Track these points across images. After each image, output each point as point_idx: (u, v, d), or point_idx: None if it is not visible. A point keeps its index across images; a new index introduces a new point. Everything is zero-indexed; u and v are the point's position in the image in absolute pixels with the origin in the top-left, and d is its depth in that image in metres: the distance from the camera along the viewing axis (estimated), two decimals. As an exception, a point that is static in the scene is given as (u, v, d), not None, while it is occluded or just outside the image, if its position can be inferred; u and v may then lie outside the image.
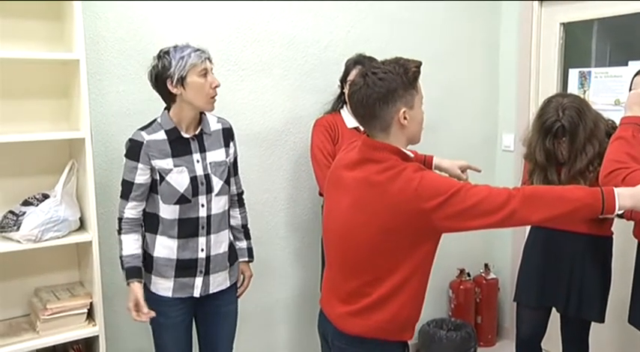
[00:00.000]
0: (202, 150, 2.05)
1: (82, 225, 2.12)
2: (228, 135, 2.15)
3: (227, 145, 2.13)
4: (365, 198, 1.54)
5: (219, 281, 2.11)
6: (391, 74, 1.53)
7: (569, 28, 3.17)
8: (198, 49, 1.96)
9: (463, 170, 2.21)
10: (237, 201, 2.26)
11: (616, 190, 1.46)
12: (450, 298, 3.34)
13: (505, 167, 3.36)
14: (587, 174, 2.22)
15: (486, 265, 3.39)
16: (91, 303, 2.10)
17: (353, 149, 1.66)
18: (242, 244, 2.26)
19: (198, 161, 2.03)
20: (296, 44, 2.70)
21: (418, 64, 1.59)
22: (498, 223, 1.47)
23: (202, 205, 2.03)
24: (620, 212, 1.48)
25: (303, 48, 2.72)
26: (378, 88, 1.52)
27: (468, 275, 3.34)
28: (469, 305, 3.30)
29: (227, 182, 2.11)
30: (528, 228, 2.53)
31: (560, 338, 2.49)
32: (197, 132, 2.04)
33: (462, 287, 3.29)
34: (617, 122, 2.24)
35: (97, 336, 2.06)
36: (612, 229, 2.35)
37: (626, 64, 2.85)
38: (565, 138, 2.25)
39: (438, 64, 3.14)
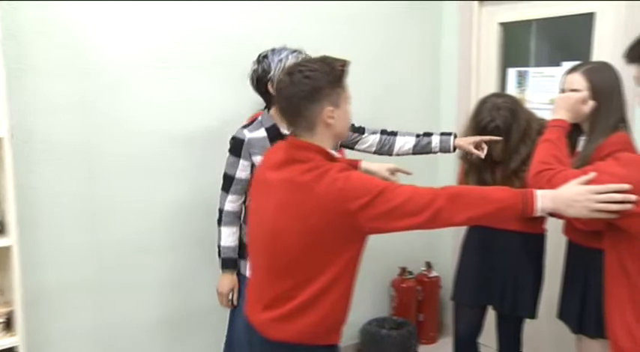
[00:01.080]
0: None
1: (1, 229, 2.01)
2: None
3: None
4: (291, 199, 1.51)
5: None
6: (317, 72, 1.51)
7: (508, 27, 3.21)
8: (295, 51, 2.13)
9: (392, 172, 2.21)
10: None
11: (538, 193, 1.47)
12: (391, 297, 3.34)
13: (447, 166, 3.35)
14: (520, 173, 2.24)
15: (428, 263, 3.41)
16: (11, 312, 1.99)
17: (279, 149, 1.62)
18: None
19: None
20: (232, 41, 2.64)
21: (344, 63, 1.56)
22: (424, 224, 1.46)
23: None
24: (541, 214, 1.48)
25: (240, 45, 2.66)
26: (304, 87, 1.49)
27: (410, 273, 3.35)
28: (411, 304, 3.31)
29: None
30: (467, 226, 2.54)
31: (496, 334, 2.52)
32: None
33: (403, 285, 3.29)
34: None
35: (16, 347, 1.96)
36: (545, 227, 2.38)
37: (560, 64, 2.90)
38: (500, 138, 2.27)
39: (378, 62, 3.13)
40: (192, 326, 2.70)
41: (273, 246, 1.56)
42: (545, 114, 2.44)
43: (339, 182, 1.45)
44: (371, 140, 2.48)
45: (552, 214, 2.17)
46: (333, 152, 1.59)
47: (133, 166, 2.45)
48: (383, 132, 2.49)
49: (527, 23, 3.17)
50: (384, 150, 2.49)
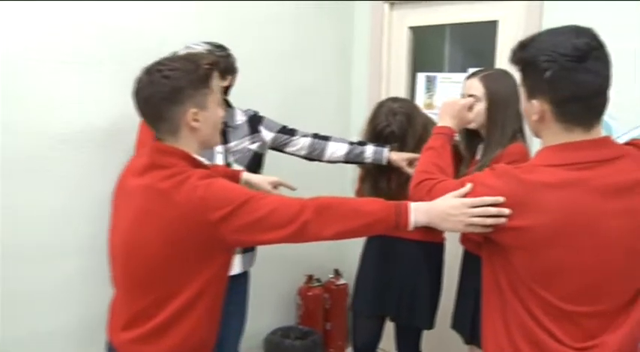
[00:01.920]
0: (225, 141, 2.16)
1: None
2: (254, 122, 2.30)
3: (254, 132, 2.27)
4: (149, 208, 1.38)
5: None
6: (178, 71, 1.38)
7: (419, 32, 3.18)
8: (214, 45, 2.16)
9: (275, 186, 2.11)
10: None
11: (412, 205, 1.40)
12: (298, 305, 3.24)
13: (357, 172, 3.31)
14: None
15: (336, 270, 3.33)
16: None
17: (144, 154, 1.49)
18: None
19: (220, 152, 2.15)
20: (129, 36, 2.46)
21: (212, 61, 1.45)
22: (291, 237, 1.37)
23: None
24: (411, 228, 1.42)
25: (138, 40, 2.49)
26: (162, 87, 1.37)
27: (318, 280, 3.26)
28: (318, 312, 3.22)
29: (254, 169, 2.24)
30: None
31: (395, 344, 2.46)
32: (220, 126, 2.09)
33: (310, 293, 3.20)
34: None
35: None
36: (445, 235, 2.34)
37: (466, 70, 2.88)
38: (395, 143, 2.22)
39: (288, 63, 3.03)
40: (87, 336, 2.49)
41: (130, 259, 1.42)
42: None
43: (199, 190, 1.34)
44: (301, 143, 2.37)
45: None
46: (202, 159, 1.47)
47: (17, 170, 2.22)
48: (315, 135, 2.39)
49: (441, 28, 3.15)
50: (314, 154, 2.38)
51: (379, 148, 2.25)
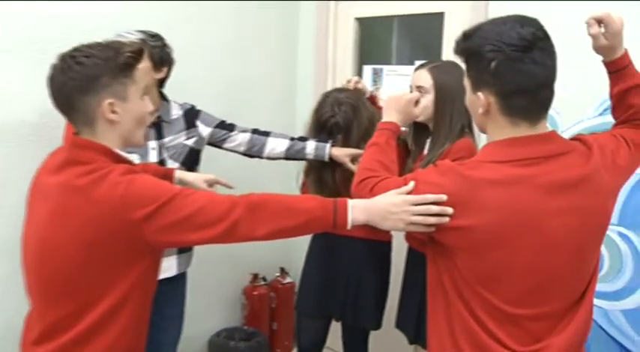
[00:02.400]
0: (160, 137, 2.04)
1: None
2: (190, 116, 2.17)
3: (190, 127, 2.15)
4: (65, 207, 1.26)
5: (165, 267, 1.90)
6: (94, 58, 1.26)
7: (366, 23, 3.11)
8: (148, 34, 2.02)
9: (210, 184, 1.99)
10: None
11: (350, 203, 1.32)
12: (243, 305, 3.13)
13: (301, 166, 3.22)
14: None
15: (282, 269, 3.24)
16: None
17: (62, 150, 1.36)
18: None
19: (153, 148, 2.03)
20: (54, 24, 2.29)
21: (137, 49, 1.33)
22: (221, 237, 1.26)
23: None
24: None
25: (64, 29, 2.32)
26: (75, 74, 1.24)
27: (264, 279, 3.16)
28: (264, 312, 3.12)
29: (190, 166, 2.13)
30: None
31: (342, 344, 2.40)
32: (154, 120, 1.99)
33: (255, 293, 3.10)
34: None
35: None
36: (392, 233, 2.28)
37: (413, 63, 2.83)
38: (340, 135, 2.14)
39: (230, 55, 2.90)
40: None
41: (44, 264, 1.29)
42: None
43: (120, 186, 1.22)
44: (240, 139, 2.25)
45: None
46: (126, 154, 1.35)
47: None
48: (254, 131, 2.28)
49: (389, 20, 3.09)
50: (253, 150, 2.27)
51: (321, 144, 2.17)
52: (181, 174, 1.96)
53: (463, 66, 1.29)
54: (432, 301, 1.34)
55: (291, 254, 3.32)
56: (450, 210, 1.19)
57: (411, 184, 1.27)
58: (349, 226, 1.31)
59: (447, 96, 1.91)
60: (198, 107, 2.25)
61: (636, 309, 2.17)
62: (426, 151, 2.02)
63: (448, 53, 2.63)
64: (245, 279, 3.13)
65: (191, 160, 2.14)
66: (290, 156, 2.26)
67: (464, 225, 1.18)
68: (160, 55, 2.03)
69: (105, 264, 1.26)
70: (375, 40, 3.24)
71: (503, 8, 2.36)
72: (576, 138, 1.29)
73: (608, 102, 2.13)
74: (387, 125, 1.67)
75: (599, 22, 1.28)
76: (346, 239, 2.16)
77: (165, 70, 2.08)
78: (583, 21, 1.31)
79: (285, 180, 3.14)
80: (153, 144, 2.04)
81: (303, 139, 2.22)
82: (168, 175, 1.92)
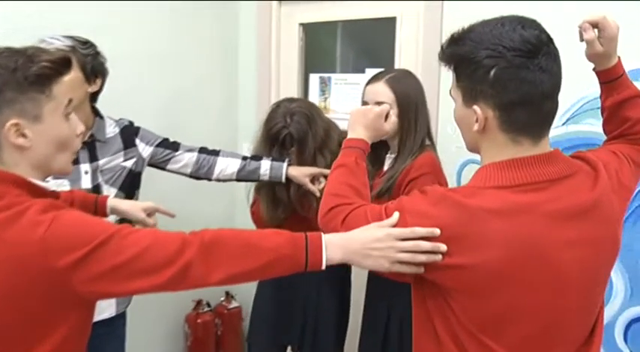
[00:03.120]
0: (94, 158, 1.79)
1: None
2: (128, 134, 1.92)
3: (129, 146, 1.90)
4: None
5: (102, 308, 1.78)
6: None
7: (310, 29, 2.93)
8: (78, 40, 1.75)
9: (150, 214, 1.74)
10: None
11: (324, 238, 1.12)
12: (186, 334, 2.88)
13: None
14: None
15: (227, 293, 3.01)
16: None
17: None
18: None
19: (86, 172, 1.77)
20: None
21: (58, 58, 1.09)
22: (169, 284, 1.05)
23: None
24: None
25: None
26: None
27: (208, 305, 2.93)
28: (209, 340, 2.88)
29: (129, 190, 1.89)
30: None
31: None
32: (87, 139, 1.78)
33: (199, 320, 2.85)
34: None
35: None
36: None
37: (364, 71, 2.69)
38: (294, 148, 1.96)
39: (166, 64, 2.66)
40: None
41: None
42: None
43: (40, 227, 0.98)
44: (186, 159, 2.01)
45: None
46: (43, 184, 1.11)
47: None
48: (202, 150, 2.05)
49: (333, 25, 2.92)
50: (201, 172, 2.03)
51: (277, 163, 1.98)
52: (115, 202, 1.71)
53: (450, 74, 1.13)
54: (418, 344, 1.18)
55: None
56: (443, 246, 1.03)
57: (396, 215, 1.10)
58: (323, 266, 1.12)
59: (409, 109, 1.77)
60: (137, 123, 2.01)
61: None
62: (385, 167, 1.87)
63: (402, 60, 2.50)
64: (187, 306, 2.88)
65: (130, 184, 1.89)
66: (242, 177, 2.05)
67: (461, 264, 1.02)
68: (93, 65, 1.77)
69: (26, 319, 1.02)
70: (320, 47, 3.08)
71: (458, 14, 2.29)
72: (578, 156, 1.15)
73: (572, 111, 2.10)
74: (355, 142, 1.46)
75: (594, 26, 1.15)
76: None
77: (98, 82, 1.81)
78: (576, 25, 1.18)
79: (234, 199, 2.93)
80: (86, 167, 1.79)
81: (256, 158, 2.02)
82: (99, 204, 1.67)
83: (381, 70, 1.90)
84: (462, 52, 1.04)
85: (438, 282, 1.07)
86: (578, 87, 2.01)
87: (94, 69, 1.77)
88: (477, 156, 1.14)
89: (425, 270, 1.07)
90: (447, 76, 1.14)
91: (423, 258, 1.05)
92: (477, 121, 1.06)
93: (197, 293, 2.88)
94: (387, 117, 1.58)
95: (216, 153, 2.06)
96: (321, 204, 1.30)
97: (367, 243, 1.10)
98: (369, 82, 1.85)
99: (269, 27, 2.91)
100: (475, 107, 1.05)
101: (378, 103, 1.76)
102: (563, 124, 2.11)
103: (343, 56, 3.09)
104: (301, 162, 1.98)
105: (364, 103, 1.83)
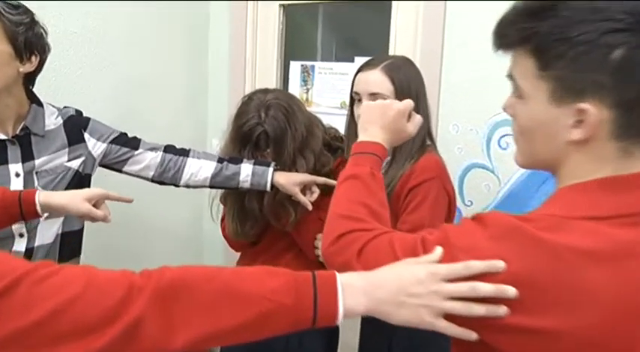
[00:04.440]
0: (28, 157, 1.43)
1: None
2: (75, 127, 1.54)
3: (75, 143, 1.52)
4: None
5: None
6: None
7: (292, 11, 2.60)
8: None
9: (96, 203, 1.37)
10: None
11: (340, 280, 0.79)
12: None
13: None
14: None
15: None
16: None
17: None
18: None
19: (18, 175, 1.41)
20: None
21: None
22: (108, 349, 0.70)
23: (21, 235, 1.43)
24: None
25: None
26: None
27: None
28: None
29: None
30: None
31: None
32: (19, 133, 1.43)
33: None
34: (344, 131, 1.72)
35: None
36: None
37: (353, 60, 2.37)
38: (269, 148, 1.62)
39: (122, 47, 2.28)
40: None
41: None
42: (336, 121, 1.87)
43: None
44: (148, 159, 1.62)
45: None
46: None
47: None
48: (168, 149, 1.67)
49: (316, 7, 2.59)
50: (167, 176, 1.64)
51: (260, 168, 1.62)
52: (47, 196, 1.33)
53: (517, 60, 0.80)
54: None
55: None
56: (512, 290, 0.72)
57: (438, 251, 0.79)
58: (339, 320, 0.79)
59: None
60: (86, 113, 1.64)
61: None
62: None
63: (397, 46, 2.19)
64: None
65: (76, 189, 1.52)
66: (217, 183, 1.68)
67: (539, 328, 0.70)
68: (27, 37, 1.37)
69: None
70: (298, 31, 2.75)
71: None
72: None
73: None
74: (370, 147, 1.10)
75: None
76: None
77: (35, 59, 1.42)
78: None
79: (194, 208, 2.58)
80: (17, 168, 1.42)
81: (235, 161, 1.66)
82: (25, 201, 1.30)
83: (371, 57, 1.61)
84: (556, 28, 0.72)
85: (498, 347, 0.76)
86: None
87: (29, 42, 1.38)
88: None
89: (481, 332, 0.76)
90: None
91: (481, 310, 0.73)
92: (578, 126, 0.74)
93: None
94: (410, 115, 1.24)
95: (185, 153, 1.69)
96: (325, 229, 0.97)
97: (403, 287, 0.77)
98: (361, 70, 1.57)
99: (244, 7, 2.56)
100: (583, 105, 0.72)
101: (373, 95, 1.49)
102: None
103: (328, 42, 2.81)
104: (279, 165, 1.64)
105: (355, 95, 1.56)
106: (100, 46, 2.17)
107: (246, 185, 1.62)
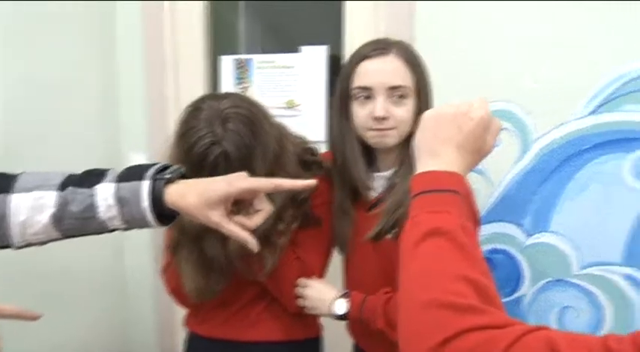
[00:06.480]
0: None
1: None
2: None
3: None
4: None
5: None
6: None
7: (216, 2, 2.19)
8: None
9: None
10: None
11: None
12: None
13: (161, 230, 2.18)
14: (274, 239, 1.23)
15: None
16: None
17: None
18: None
19: None
20: None
21: None
22: None
23: None
24: None
25: None
26: None
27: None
28: None
29: None
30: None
31: None
32: None
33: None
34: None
35: None
36: (321, 323, 1.46)
37: (298, 50, 1.99)
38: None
39: (17, 48, 1.74)
40: None
41: None
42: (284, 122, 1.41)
43: None
44: None
45: (342, 317, 1.28)
46: None
47: None
48: None
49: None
50: None
51: (130, 186, 0.96)
52: None
53: None
54: None
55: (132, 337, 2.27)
56: None
57: None
58: None
59: (427, 101, 1.23)
60: None
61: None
62: (380, 189, 1.26)
63: (352, 41, 1.82)
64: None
65: None
66: (70, 232, 0.99)
67: None
68: None
69: None
70: (222, 22, 2.36)
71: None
72: None
73: (605, 94, 1.56)
74: (447, 180, 0.72)
75: None
76: (253, 345, 1.28)
77: None
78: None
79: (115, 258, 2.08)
80: None
81: (93, 176, 0.99)
82: None
83: (374, 39, 1.29)
84: None
85: None
86: (614, 61, 1.51)
87: None
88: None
89: None
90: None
91: None
92: None
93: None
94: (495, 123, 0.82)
95: (6, 183, 0.97)
96: (409, 325, 0.58)
97: None
98: (366, 56, 1.20)
99: (158, 3, 2.10)
100: None
101: (393, 88, 1.15)
102: (592, 113, 1.57)
103: (249, 33, 2.55)
104: None
105: (360, 90, 1.21)
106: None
107: (116, 223, 0.97)
